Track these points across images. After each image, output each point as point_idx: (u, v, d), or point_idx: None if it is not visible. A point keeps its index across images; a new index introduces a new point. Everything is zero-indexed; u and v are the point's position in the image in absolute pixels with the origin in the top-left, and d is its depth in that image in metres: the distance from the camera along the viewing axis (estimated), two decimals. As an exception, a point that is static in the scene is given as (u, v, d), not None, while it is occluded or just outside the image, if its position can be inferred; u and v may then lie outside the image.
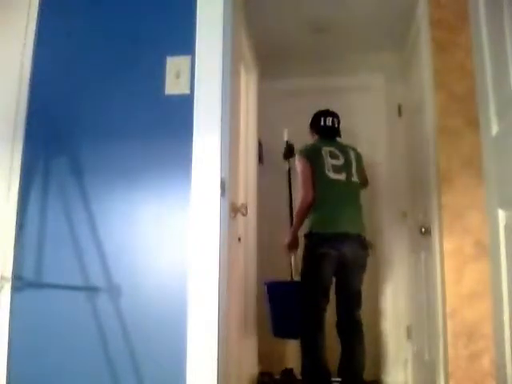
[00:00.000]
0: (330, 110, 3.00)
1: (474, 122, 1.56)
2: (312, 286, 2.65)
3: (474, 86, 1.54)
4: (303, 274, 2.71)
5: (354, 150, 2.95)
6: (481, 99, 1.48)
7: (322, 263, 2.62)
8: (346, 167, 2.80)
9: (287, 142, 3.24)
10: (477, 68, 1.51)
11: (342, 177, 2.77)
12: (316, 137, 2.98)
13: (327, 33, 3.24)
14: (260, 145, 3.43)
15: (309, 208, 2.74)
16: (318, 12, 3.00)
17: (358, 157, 2.93)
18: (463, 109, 2.16)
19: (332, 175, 2.75)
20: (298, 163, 2.83)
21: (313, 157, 2.79)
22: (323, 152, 2.80)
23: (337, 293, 2.68)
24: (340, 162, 2.80)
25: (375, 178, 3.59)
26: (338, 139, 2.96)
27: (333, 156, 2.80)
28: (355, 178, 2.82)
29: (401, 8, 2.84)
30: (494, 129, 1.37)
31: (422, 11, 2.49)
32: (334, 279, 2.69)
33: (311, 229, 2.71)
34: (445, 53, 2.26)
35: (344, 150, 2.88)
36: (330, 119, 2.95)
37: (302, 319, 2.64)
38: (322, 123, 2.95)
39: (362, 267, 2.70)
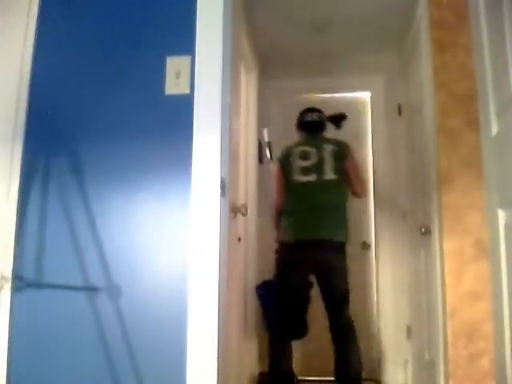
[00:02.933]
0: (315, 107, 2.96)
1: (474, 122, 1.56)
2: (280, 294, 2.64)
3: (474, 86, 1.54)
4: (275, 280, 2.74)
5: (336, 144, 2.80)
6: (481, 99, 1.48)
7: (288, 272, 2.62)
8: (317, 166, 2.69)
9: (269, 142, 3.16)
10: (477, 68, 1.51)
11: (311, 178, 2.68)
12: (300, 134, 2.95)
13: (327, 33, 3.24)
14: (260, 145, 3.43)
15: (279, 213, 2.75)
16: (318, 12, 3.00)
17: (339, 152, 2.76)
18: (463, 109, 2.16)
19: (300, 178, 2.68)
20: (273, 168, 2.84)
21: (284, 161, 2.79)
22: (293, 154, 2.75)
23: (322, 298, 2.67)
24: (310, 162, 2.71)
25: (375, 177, 3.59)
26: (322, 134, 2.88)
27: (303, 157, 2.73)
28: (329, 176, 2.69)
29: (401, 8, 2.84)
30: (494, 129, 1.37)
31: (422, 11, 2.49)
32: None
33: (280, 237, 2.73)
34: (445, 53, 2.26)
35: (321, 146, 2.76)
36: (313, 114, 2.92)
37: (273, 322, 2.65)
38: (305, 119, 2.93)
39: (338, 271, 2.62)
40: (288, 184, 2.72)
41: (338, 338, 2.58)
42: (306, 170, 2.69)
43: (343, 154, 2.77)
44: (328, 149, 2.75)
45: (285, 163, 2.77)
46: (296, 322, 2.63)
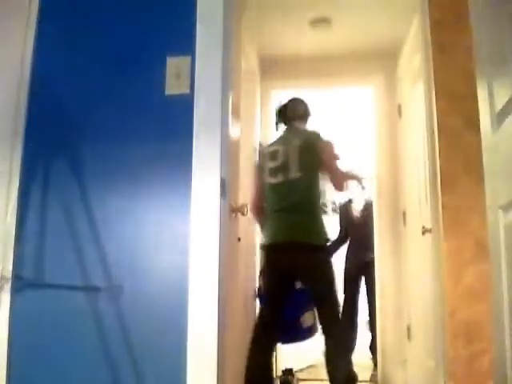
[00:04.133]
0: (296, 98, 2.80)
1: (474, 122, 1.55)
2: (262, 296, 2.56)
3: (474, 86, 1.54)
4: None
5: (303, 137, 2.59)
6: (481, 99, 1.48)
7: (267, 275, 2.54)
8: (284, 166, 2.53)
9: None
10: (477, 68, 1.51)
11: (278, 179, 2.54)
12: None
13: (327, 33, 3.24)
14: (261, 145, 3.43)
15: (254, 215, 2.68)
16: (319, 11, 3.01)
17: (306, 146, 2.53)
18: (463, 109, 2.16)
19: (271, 180, 2.57)
20: None
21: (260, 163, 2.70)
22: (265, 155, 2.63)
23: None
24: (278, 162, 2.56)
25: (376, 177, 3.60)
26: (296, 127, 2.68)
27: (272, 157, 2.59)
28: (294, 175, 2.50)
29: (401, 8, 2.84)
30: (494, 129, 1.37)
31: (422, 11, 2.49)
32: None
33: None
34: (445, 53, 2.26)
35: (289, 143, 2.57)
36: (287, 108, 2.75)
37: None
38: (288, 112, 2.74)
39: (310, 274, 2.44)
40: (265, 186, 2.62)
41: (325, 342, 2.43)
42: (274, 171, 2.56)
43: (311, 148, 2.54)
44: (294, 144, 2.55)
45: (262, 166, 2.67)
46: (271, 325, 2.50)
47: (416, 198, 2.91)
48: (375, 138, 3.62)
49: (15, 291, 1.62)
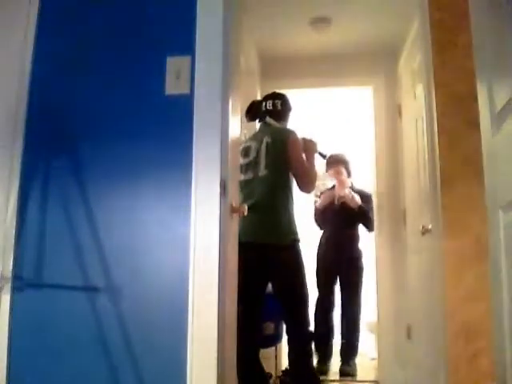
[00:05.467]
0: (276, 92, 2.70)
1: (474, 123, 1.56)
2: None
3: (474, 86, 1.54)
4: None
5: (273, 135, 2.49)
6: (481, 99, 1.48)
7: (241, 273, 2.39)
8: (254, 163, 2.47)
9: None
10: (477, 68, 1.51)
11: (248, 176, 2.47)
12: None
13: (327, 33, 3.25)
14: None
15: None
16: (319, 11, 3.01)
17: (275, 144, 2.45)
18: (463, 109, 2.15)
19: (242, 177, 2.45)
20: None
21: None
22: (239, 152, 2.42)
23: None
24: (249, 158, 2.49)
25: (375, 177, 3.60)
26: (271, 124, 2.59)
27: (245, 153, 2.51)
28: (262, 173, 2.44)
29: (401, 8, 2.85)
30: (494, 129, 1.37)
31: (422, 11, 2.49)
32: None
33: None
34: (445, 53, 2.26)
35: (261, 139, 2.49)
36: (270, 102, 2.62)
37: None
38: (263, 108, 2.63)
39: (276, 273, 2.38)
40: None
41: (289, 348, 2.37)
42: (245, 168, 2.48)
43: (279, 146, 2.45)
44: (264, 141, 2.47)
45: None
46: (249, 325, 2.37)
47: (416, 198, 2.91)
48: (375, 138, 3.62)
49: (15, 291, 1.62)
